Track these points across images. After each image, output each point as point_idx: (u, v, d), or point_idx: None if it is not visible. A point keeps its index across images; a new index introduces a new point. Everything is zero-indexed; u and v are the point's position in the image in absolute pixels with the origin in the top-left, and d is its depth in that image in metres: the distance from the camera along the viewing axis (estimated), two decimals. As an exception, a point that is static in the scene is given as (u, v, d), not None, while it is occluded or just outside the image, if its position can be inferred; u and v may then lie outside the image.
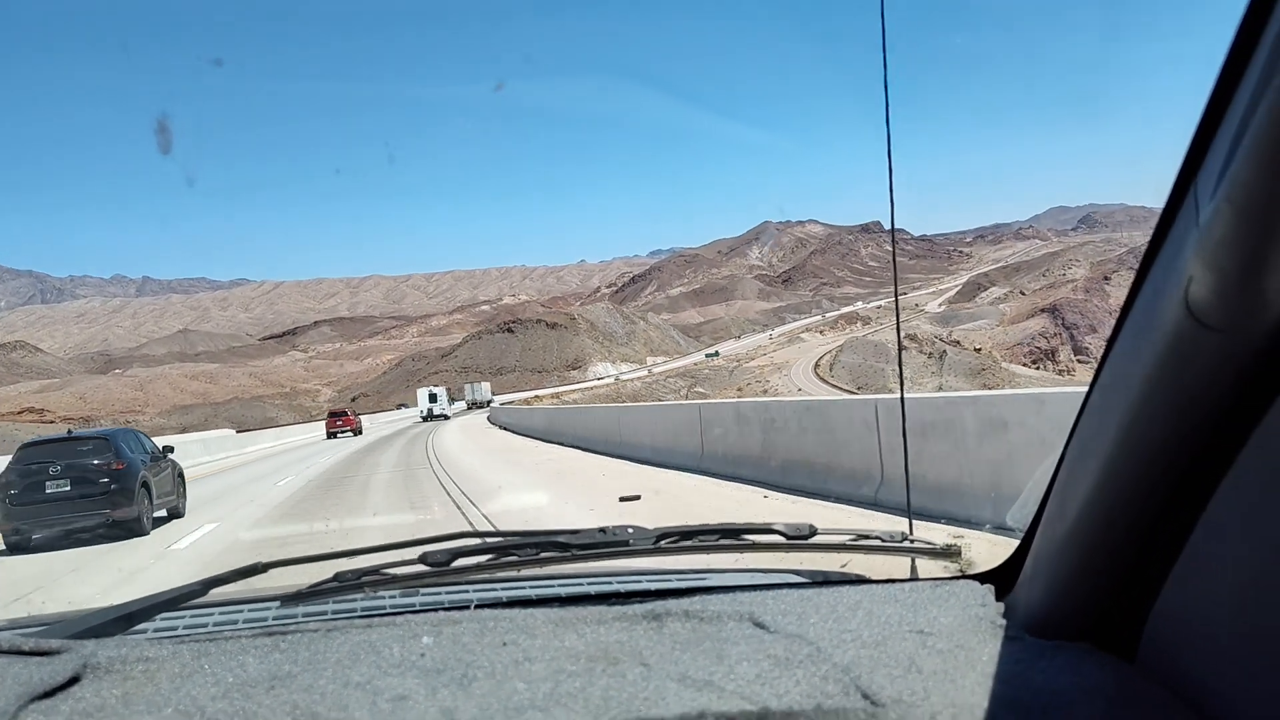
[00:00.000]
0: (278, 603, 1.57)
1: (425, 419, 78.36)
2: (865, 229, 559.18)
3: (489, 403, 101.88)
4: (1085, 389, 1.07)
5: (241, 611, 1.58)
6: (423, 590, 1.61)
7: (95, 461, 12.46)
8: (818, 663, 1.09)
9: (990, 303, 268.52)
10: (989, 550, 1.79)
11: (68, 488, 12.16)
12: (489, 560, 1.55)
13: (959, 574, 1.52)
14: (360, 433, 56.31)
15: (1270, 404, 0.83)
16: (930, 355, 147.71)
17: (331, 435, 55.68)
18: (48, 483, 12.11)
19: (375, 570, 1.51)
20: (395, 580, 1.51)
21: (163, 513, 13.93)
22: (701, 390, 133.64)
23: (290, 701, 1.01)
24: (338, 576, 1.50)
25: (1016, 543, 1.32)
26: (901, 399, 2.35)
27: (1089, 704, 0.97)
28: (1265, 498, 0.84)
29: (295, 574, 1.62)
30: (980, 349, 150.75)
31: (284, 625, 1.36)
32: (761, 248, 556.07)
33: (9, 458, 13.10)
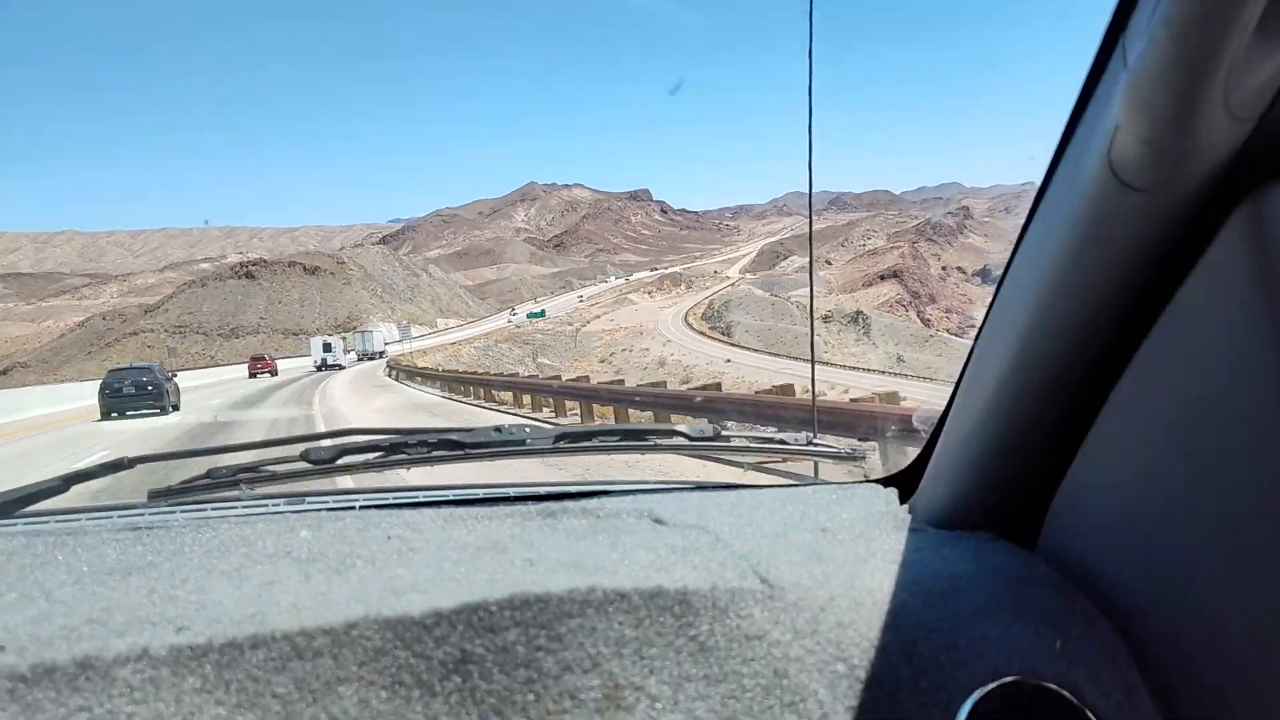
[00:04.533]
0: (146, 498, 1.46)
1: (319, 369, 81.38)
2: (634, 196, 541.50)
3: (382, 354, 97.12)
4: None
5: (110, 516, 1.43)
6: (305, 490, 1.51)
7: (144, 379, 28.84)
8: (716, 550, 1.10)
9: (794, 270, 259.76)
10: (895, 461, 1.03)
11: (133, 391, 28.16)
12: (376, 458, 1.47)
13: (863, 479, 1.51)
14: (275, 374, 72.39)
15: (1184, 279, 0.80)
16: (850, 322, 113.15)
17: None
18: (122, 388, 28.29)
19: (253, 467, 1.43)
20: (274, 478, 1.43)
21: (176, 404, 29.51)
22: (547, 362, 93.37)
23: (147, 588, 0.97)
24: (211, 473, 1.43)
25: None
26: (812, 355, 2.37)
27: (988, 585, 0.99)
28: (1169, 382, 0.82)
29: (168, 471, 1.53)
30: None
31: (153, 519, 1.31)
32: (528, 210, 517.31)
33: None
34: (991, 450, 1.07)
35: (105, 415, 27.62)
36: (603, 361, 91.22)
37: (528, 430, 1.56)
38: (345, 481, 1.91)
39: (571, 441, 1.55)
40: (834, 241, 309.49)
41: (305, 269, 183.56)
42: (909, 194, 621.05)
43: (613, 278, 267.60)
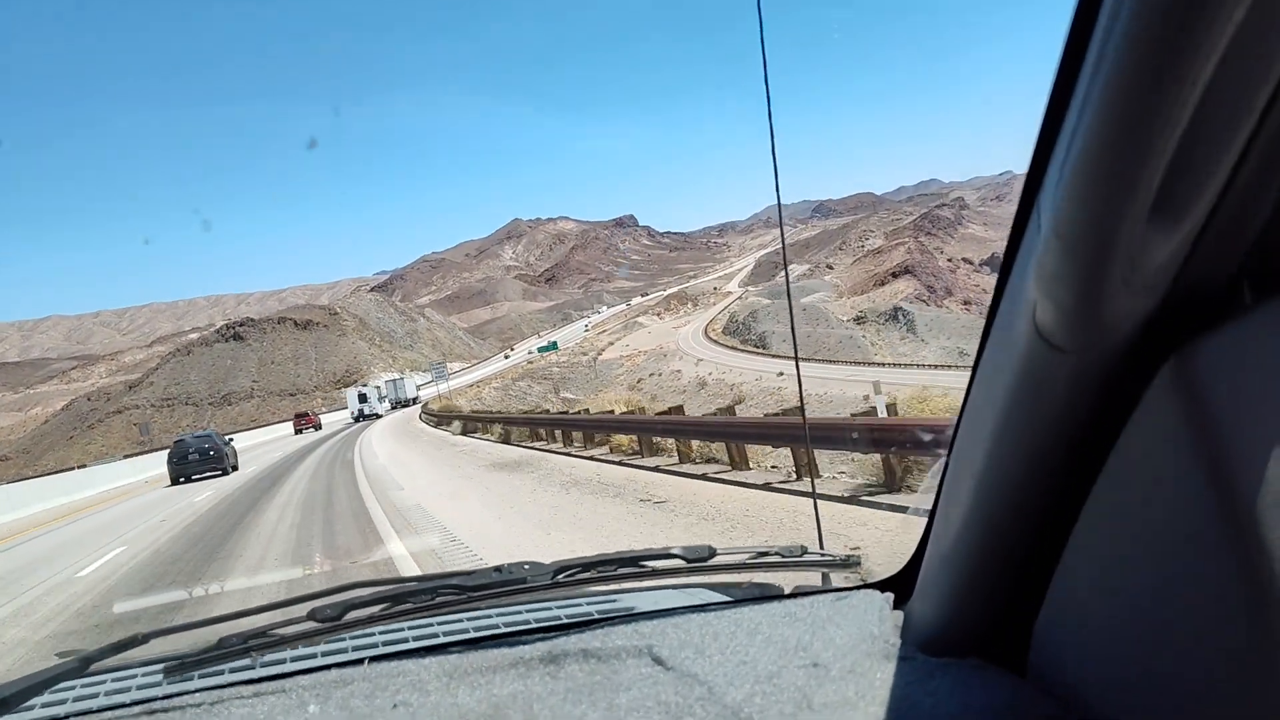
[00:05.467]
0: (161, 674, 1.46)
1: (357, 419, 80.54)
2: (620, 223, 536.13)
3: (415, 400, 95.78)
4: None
5: (129, 690, 1.47)
6: (316, 649, 1.53)
7: (206, 445, 32.97)
8: (708, 706, 1.11)
9: (798, 278, 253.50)
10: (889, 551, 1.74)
11: (197, 457, 32.48)
12: (382, 611, 1.50)
13: (860, 583, 1.55)
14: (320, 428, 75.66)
15: (1126, 422, 0.85)
16: (888, 320, 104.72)
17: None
18: (189, 454, 32.63)
19: (262, 632, 1.45)
20: (284, 641, 1.45)
21: (235, 464, 34.33)
22: (570, 395, 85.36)
23: None
24: (222, 642, 1.44)
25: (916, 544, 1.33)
26: (797, 366, 2.14)
27: None
28: (1123, 516, 0.87)
29: (178, 642, 1.54)
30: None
31: (168, 700, 1.34)
32: (515, 247, 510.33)
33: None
34: (973, 570, 1.09)
35: (174, 480, 32.49)
36: (632, 389, 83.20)
37: (526, 567, 1.58)
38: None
39: (570, 575, 1.58)
40: (831, 245, 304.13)
41: (296, 324, 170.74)
42: (890, 194, 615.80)
43: (605, 307, 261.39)
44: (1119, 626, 0.90)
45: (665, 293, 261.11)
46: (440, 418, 48.44)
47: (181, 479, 31.91)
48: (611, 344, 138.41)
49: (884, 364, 76.29)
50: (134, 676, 1.53)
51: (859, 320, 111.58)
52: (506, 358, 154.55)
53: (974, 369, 1.03)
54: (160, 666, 1.48)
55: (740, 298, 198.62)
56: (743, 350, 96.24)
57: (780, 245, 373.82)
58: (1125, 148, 0.68)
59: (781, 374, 69.86)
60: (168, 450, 34.75)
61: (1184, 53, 0.63)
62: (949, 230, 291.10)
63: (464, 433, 36.32)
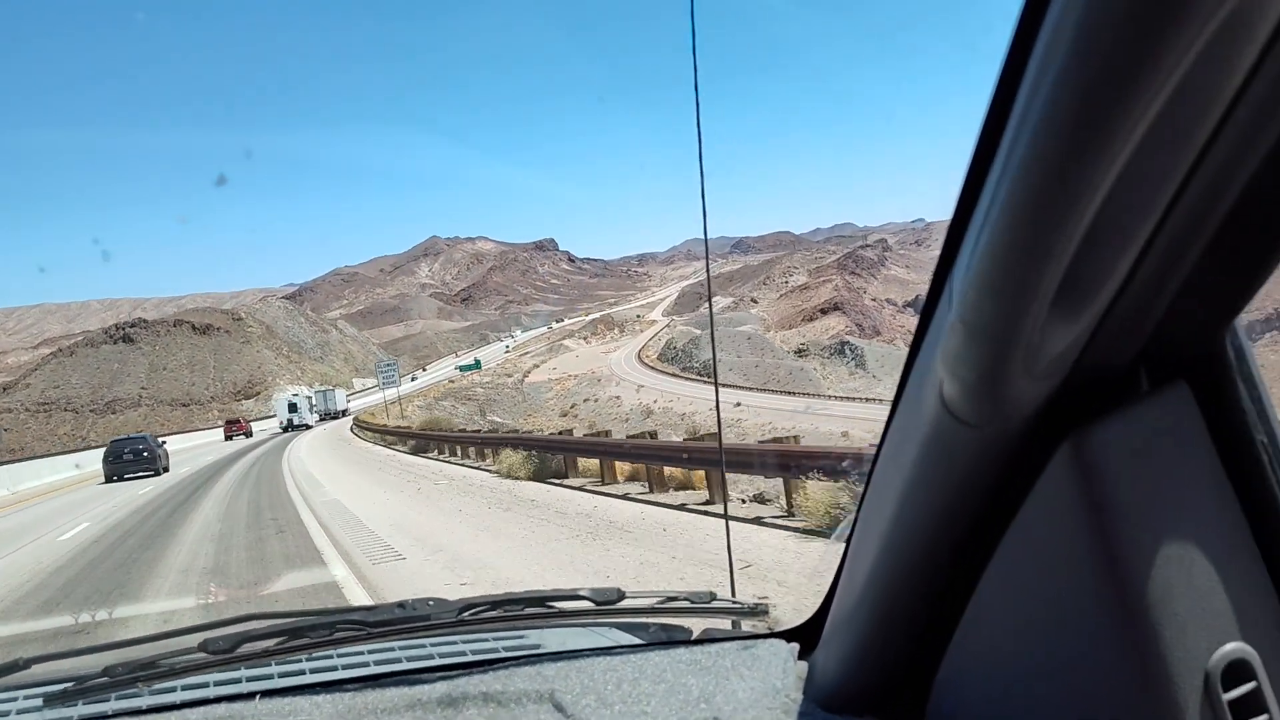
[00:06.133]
0: (41, 701, 1.41)
1: (285, 429, 76.40)
2: (540, 246, 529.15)
3: (345, 411, 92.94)
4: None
5: (8, 715, 1.43)
6: (208, 680, 1.48)
7: (140, 447, 34.76)
8: None
9: (720, 311, 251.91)
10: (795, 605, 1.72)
11: (131, 457, 34.12)
12: (278, 644, 1.44)
13: (767, 631, 1.54)
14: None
15: (1026, 496, 0.89)
16: (833, 354, 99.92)
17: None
18: (124, 453, 34.51)
19: (151, 663, 1.39)
20: (172, 673, 1.40)
21: (166, 466, 35.41)
22: (498, 419, 77.75)
23: None
24: (108, 670, 1.38)
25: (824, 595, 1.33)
26: (716, 393, 2.09)
27: None
28: (1023, 582, 0.91)
29: (64, 668, 1.50)
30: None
31: None
32: (432, 264, 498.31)
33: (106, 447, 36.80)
34: (875, 630, 1.11)
35: (109, 478, 33.38)
36: (565, 415, 76.37)
37: (431, 604, 1.53)
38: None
39: (475, 613, 1.53)
40: (755, 280, 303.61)
41: (195, 328, 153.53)
42: (807, 234, 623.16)
43: (521, 330, 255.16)
44: (1012, 693, 0.93)
45: (588, 318, 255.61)
46: (389, 434, 42.83)
47: (115, 477, 33.58)
48: (537, 366, 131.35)
49: (847, 398, 70.58)
50: (14, 700, 1.47)
51: (800, 353, 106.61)
52: (413, 379, 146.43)
53: (884, 433, 1.04)
54: (40, 692, 1.42)
55: (669, 325, 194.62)
56: (685, 377, 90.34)
57: (705, 277, 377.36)
58: (1030, 247, 0.70)
59: (739, 405, 63.74)
60: (103, 449, 37.34)
61: (1087, 163, 0.66)
62: (872, 270, 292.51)
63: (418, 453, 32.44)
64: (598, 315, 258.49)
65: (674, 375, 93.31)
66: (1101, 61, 0.61)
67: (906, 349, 0.91)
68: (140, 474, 33.08)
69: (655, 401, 74.10)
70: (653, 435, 16.26)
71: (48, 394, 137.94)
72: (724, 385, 78.15)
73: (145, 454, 34.16)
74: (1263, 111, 0.67)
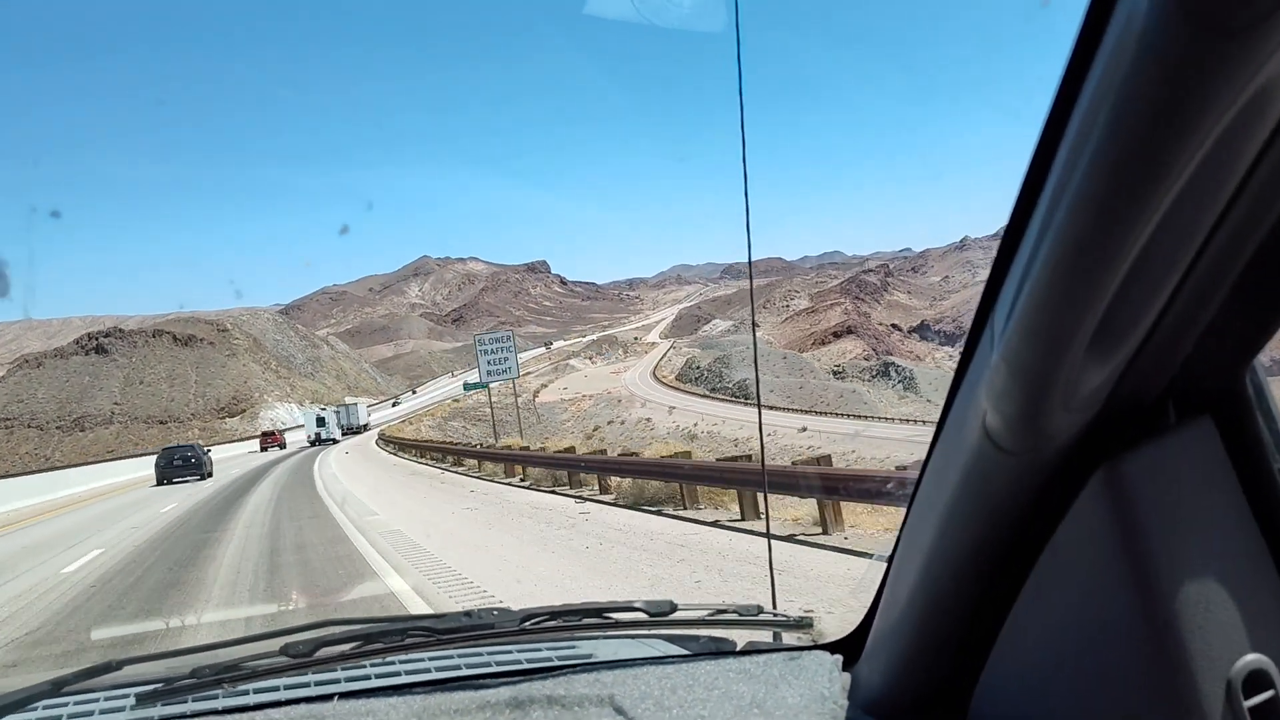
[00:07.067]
0: (133, 700, 1.49)
1: (313, 443, 79.66)
2: (532, 268, 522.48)
3: (366, 426, 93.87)
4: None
5: (93, 714, 1.51)
6: (285, 683, 1.56)
7: (189, 454, 40.72)
8: None
9: (721, 334, 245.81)
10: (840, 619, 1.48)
11: (180, 463, 39.70)
12: (353, 649, 1.51)
13: (812, 644, 1.60)
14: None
15: (1060, 520, 0.96)
16: (878, 375, 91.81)
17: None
18: (174, 460, 40.12)
19: (235, 665, 1.47)
20: (255, 675, 1.47)
21: (211, 471, 40.55)
22: (515, 441, 68.50)
23: None
24: (195, 673, 1.45)
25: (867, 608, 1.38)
26: (759, 426, 2.28)
27: None
28: (1061, 597, 0.98)
29: (152, 670, 1.58)
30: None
31: None
32: (422, 284, 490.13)
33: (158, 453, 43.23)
34: (918, 643, 1.17)
35: (160, 481, 38.77)
36: (589, 438, 67.87)
37: (495, 613, 1.61)
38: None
39: (536, 622, 1.61)
40: (754, 304, 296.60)
41: (176, 339, 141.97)
42: (797, 261, 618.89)
43: (547, 345, 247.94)
44: (1049, 702, 0.99)
45: (588, 338, 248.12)
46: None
47: (166, 480, 38.61)
48: (545, 386, 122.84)
49: (920, 421, 61.75)
50: (99, 701, 1.55)
51: (837, 374, 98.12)
52: (395, 404, 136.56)
53: (926, 458, 1.11)
54: (130, 693, 1.50)
55: (673, 345, 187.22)
56: (720, 399, 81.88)
57: (698, 301, 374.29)
58: (1069, 299, 0.78)
59: (805, 429, 54.98)
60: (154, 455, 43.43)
61: (1120, 227, 0.73)
62: (875, 296, 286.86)
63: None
64: (596, 336, 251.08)
65: (705, 396, 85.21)
66: (1133, 142, 0.69)
67: (951, 371, 0.99)
68: (188, 478, 38.78)
69: (697, 425, 65.68)
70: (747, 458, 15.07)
71: (10, 409, 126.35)
72: (770, 408, 70.02)
73: (193, 460, 40.06)
74: (1276, 176, 0.75)
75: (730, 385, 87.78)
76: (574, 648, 1.72)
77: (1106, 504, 0.91)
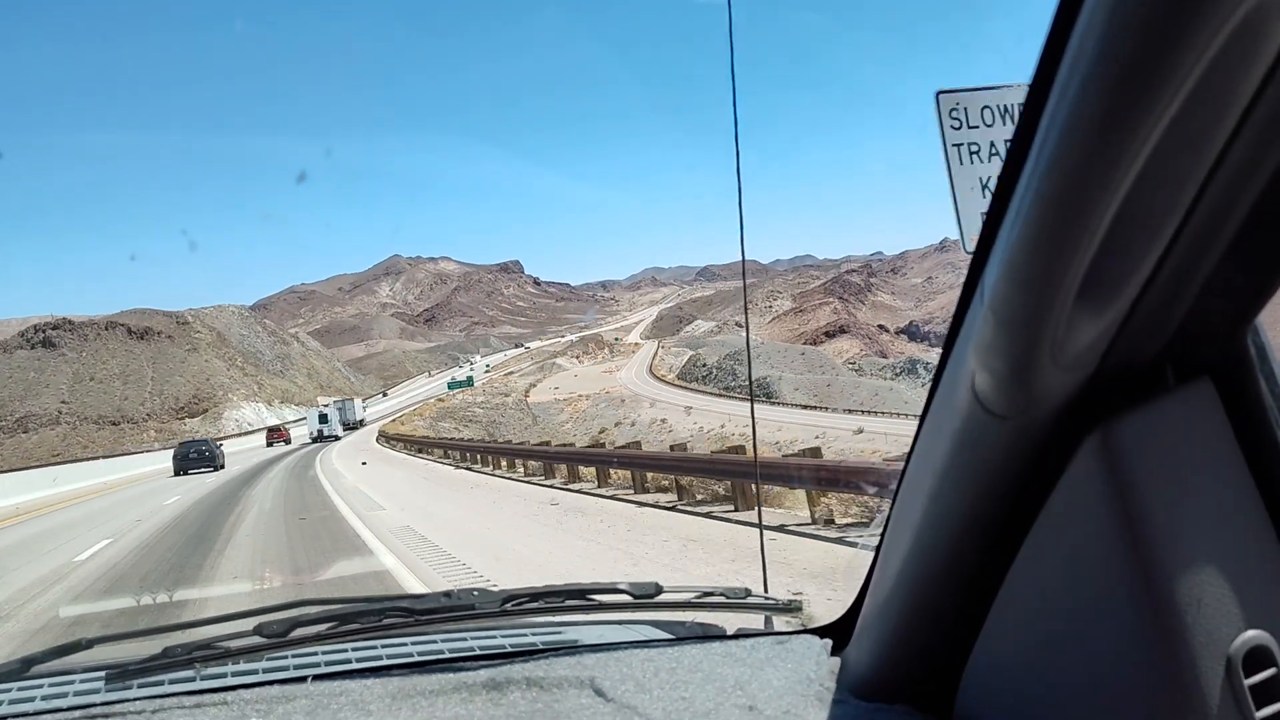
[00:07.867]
0: (103, 680, 1.46)
1: (315, 440, 79.11)
2: (505, 269, 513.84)
3: (363, 422, 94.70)
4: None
5: (67, 695, 1.47)
6: (260, 663, 1.53)
7: (203, 448, 48.19)
8: None
9: (704, 334, 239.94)
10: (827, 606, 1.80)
11: (195, 456, 46.94)
12: (329, 629, 1.49)
13: (800, 628, 1.58)
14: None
15: (1054, 486, 0.92)
16: (903, 373, 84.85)
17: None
18: (190, 453, 47.43)
19: (208, 644, 1.44)
20: (229, 654, 1.45)
21: (223, 464, 46.77)
22: (511, 440, 61.23)
23: None
24: (167, 651, 1.43)
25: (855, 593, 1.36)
26: (752, 409, 2.28)
27: None
28: (1054, 569, 0.94)
29: (124, 650, 1.55)
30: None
31: (107, 707, 1.35)
32: (394, 284, 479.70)
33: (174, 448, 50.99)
34: (907, 623, 1.15)
35: (177, 472, 44.20)
36: (596, 441, 59.94)
37: (475, 594, 1.59)
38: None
39: (518, 604, 1.59)
40: (734, 305, 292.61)
41: (131, 332, 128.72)
42: (770, 264, 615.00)
43: (480, 354, 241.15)
44: (1041, 679, 0.97)
45: (569, 338, 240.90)
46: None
47: (182, 472, 44.21)
48: (534, 385, 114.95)
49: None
50: (73, 682, 1.52)
51: (856, 370, 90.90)
52: (384, 395, 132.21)
53: (917, 431, 1.08)
54: (102, 673, 1.48)
55: (661, 345, 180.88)
56: (736, 397, 74.63)
57: (676, 302, 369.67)
58: (1054, 238, 0.75)
59: (861, 430, 47.66)
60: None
61: (1109, 160, 0.70)
62: (860, 296, 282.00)
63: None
64: (578, 336, 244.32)
65: (719, 395, 77.93)
66: (1122, 65, 0.66)
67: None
68: (202, 470, 44.41)
69: (724, 426, 58.18)
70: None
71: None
72: (815, 408, 63.09)
73: (207, 454, 46.32)
74: (1278, 115, 0.71)
75: (742, 383, 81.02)
76: (559, 632, 1.68)
77: (1101, 470, 0.88)
